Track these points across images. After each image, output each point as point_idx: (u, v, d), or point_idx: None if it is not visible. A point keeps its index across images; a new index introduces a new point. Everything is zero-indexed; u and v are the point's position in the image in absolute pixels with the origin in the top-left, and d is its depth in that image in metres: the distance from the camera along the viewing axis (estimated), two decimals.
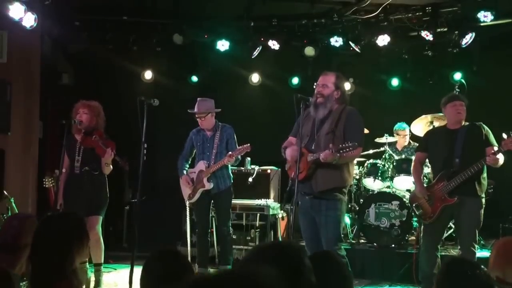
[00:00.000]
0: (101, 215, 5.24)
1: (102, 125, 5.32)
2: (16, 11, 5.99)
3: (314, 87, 4.37)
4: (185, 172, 5.73)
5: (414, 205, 5.00)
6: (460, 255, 4.69)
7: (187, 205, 5.84)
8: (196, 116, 5.59)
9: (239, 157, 5.59)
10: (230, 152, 5.41)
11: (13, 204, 5.51)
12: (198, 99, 5.63)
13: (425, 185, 5.07)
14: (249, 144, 5.45)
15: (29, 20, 6.10)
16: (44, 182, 5.28)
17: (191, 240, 6.07)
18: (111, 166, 5.25)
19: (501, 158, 4.53)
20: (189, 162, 5.82)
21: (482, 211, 4.66)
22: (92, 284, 5.19)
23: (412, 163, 5.17)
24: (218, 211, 5.71)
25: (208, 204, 5.68)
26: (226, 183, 5.63)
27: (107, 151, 5.09)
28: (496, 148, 4.57)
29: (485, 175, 4.69)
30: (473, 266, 2.24)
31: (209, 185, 5.54)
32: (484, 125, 4.75)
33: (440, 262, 4.80)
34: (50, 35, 7.21)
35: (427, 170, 5.60)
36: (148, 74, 8.26)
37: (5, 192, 5.61)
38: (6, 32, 6.72)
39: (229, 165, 5.64)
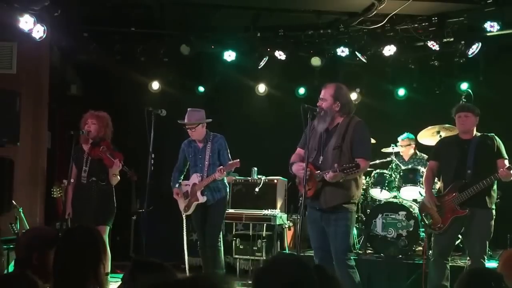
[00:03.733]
0: (108, 225, 5.27)
1: (109, 136, 5.37)
2: (26, 23, 6.05)
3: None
4: (177, 185, 5.66)
5: (423, 214, 4.99)
6: (471, 266, 4.66)
7: (183, 217, 5.71)
8: (186, 127, 5.50)
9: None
10: (220, 167, 5.31)
11: (22, 214, 5.55)
12: (188, 109, 5.54)
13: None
14: (238, 160, 5.35)
15: (38, 31, 6.16)
16: (53, 192, 5.33)
17: (189, 251, 5.99)
18: (119, 177, 5.28)
19: None
20: (184, 173, 5.75)
21: (492, 222, 4.65)
22: None
23: (425, 172, 5.17)
24: (209, 220, 5.52)
25: (204, 215, 5.56)
26: (221, 193, 5.55)
27: (115, 162, 5.13)
28: (507, 161, 4.56)
29: (495, 187, 4.69)
30: (497, 278, 2.17)
31: (202, 199, 5.47)
32: (496, 137, 4.74)
33: (449, 273, 4.79)
34: (59, 46, 7.29)
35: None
36: (155, 85, 8.32)
37: (14, 202, 5.64)
38: (16, 44, 6.79)
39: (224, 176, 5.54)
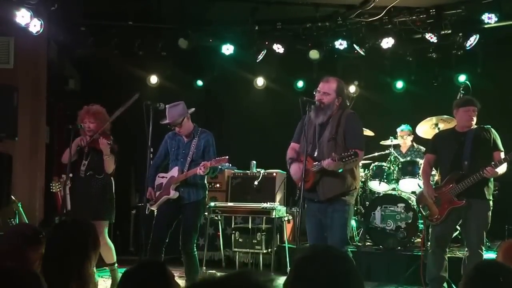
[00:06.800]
0: (107, 219, 5.23)
1: (108, 126, 5.33)
2: (23, 17, 6.04)
3: (315, 93, 4.34)
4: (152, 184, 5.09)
5: (421, 205, 5.02)
6: (469, 257, 4.68)
7: (146, 210, 5.12)
8: (172, 127, 5.04)
9: (220, 168, 5.06)
10: (204, 162, 4.81)
11: (21, 209, 5.56)
12: (167, 106, 4.96)
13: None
14: (227, 157, 4.84)
15: (35, 26, 6.15)
16: (51, 187, 5.33)
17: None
18: (113, 162, 5.18)
19: (502, 168, 4.55)
20: (159, 170, 5.21)
21: (490, 213, 4.68)
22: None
23: (422, 165, 5.18)
24: (184, 224, 4.98)
25: (172, 215, 4.99)
26: (198, 194, 5.01)
27: (101, 141, 5.04)
28: (502, 154, 4.58)
29: (492, 178, 4.70)
30: (506, 272, 2.09)
31: (173, 194, 4.95)
32: (492, 129, 4.78)
33: (447, 264, 4.82)
34: (56, 40, 7.27)
35: (432, 171, 5.60)
36: (153, 79, 8.32)
37: (12, 197, 5.66)
38: (12, 38, 6.78)
39: (205, 175, 5.02)
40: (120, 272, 5.57)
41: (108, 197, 5.26)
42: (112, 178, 5.31)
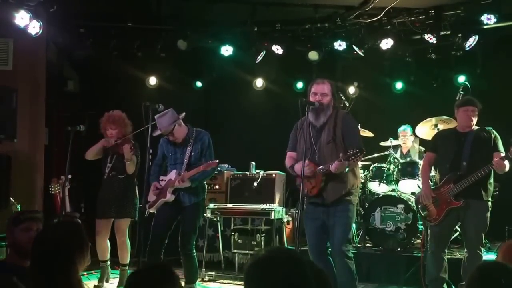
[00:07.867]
0: (130, 216, 5.49)
1: (130, 130, 5.59)
2: (22, 19, 6.04)
3: (309, 95, 4.30)
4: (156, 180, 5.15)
5: (419, 206, 5.01)
6: (468, 257, 4.67)
7: (145, 213, 5.10)
8: (165, 136, 5.04)
9: (219, 169, 5.11)
10: (182, 173, 4.89)
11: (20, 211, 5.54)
12: (156, 116, 4.89)
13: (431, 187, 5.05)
14: (217, 161, 4.91)
15: (34, 27, 6.15)
16: (50, 189, 5.36)
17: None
18: (134, 165, 5.44)
19: (507, 164, 4.53)
20: (163, 168, 5.25)
21: (489, 214, 4.66)
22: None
23: (422, 163, 5.18)
24: (183, 225, 4.99)
25: (172, 216, 5.01)
26: (198, 196, 5.04)
27: (124, 147, 5.31)
28: (503, 155, 4.57)
29: (491, 180, 4.70)
30: (508, 272, 2.08)
31: (169, 197, 4.97)
32: (493, 130, 4.76)
33: (447, 265, 4.81)
34: (55, 42, 7.28)
35: (432, 172, 5.60)
36: (152, 80, 8.31)
37: (11, 198, 5.64)
38: (11, 40, 6.77)
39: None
40: (112, 277, 5.72)
41: (129, 196, 5.52)
42: (135, 178, 5.59)
